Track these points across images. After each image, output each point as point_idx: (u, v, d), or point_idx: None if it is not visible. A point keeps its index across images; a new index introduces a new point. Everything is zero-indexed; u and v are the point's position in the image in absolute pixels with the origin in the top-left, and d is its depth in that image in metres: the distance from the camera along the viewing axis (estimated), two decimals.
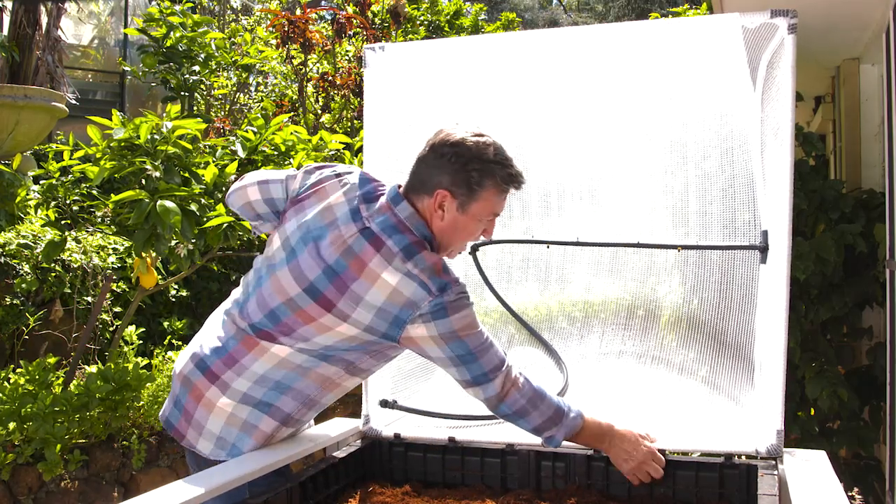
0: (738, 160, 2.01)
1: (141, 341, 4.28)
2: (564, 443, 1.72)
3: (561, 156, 2.29)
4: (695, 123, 2.09)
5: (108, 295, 4.30)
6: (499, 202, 1.67)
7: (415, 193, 1.67)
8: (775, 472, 1.66)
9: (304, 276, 1.63)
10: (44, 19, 5.94)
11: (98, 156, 3.14)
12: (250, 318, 1.68)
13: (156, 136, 3.10)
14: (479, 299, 2.41)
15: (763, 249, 1.90)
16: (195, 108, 5.85)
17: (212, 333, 1.75)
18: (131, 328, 4.11)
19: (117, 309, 4.56)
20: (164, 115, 3.34)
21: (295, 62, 6.52)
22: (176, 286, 4.95)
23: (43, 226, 4.16)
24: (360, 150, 3.81)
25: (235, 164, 3.25)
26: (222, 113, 6.69)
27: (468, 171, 1.61)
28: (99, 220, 3.44)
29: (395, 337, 1.62)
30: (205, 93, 6.05)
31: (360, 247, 1.60)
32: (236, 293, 1.78)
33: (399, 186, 1.69)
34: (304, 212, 1.69)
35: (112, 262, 4.41)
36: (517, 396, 1.65)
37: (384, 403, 2.11)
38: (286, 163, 3.45)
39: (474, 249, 2.41)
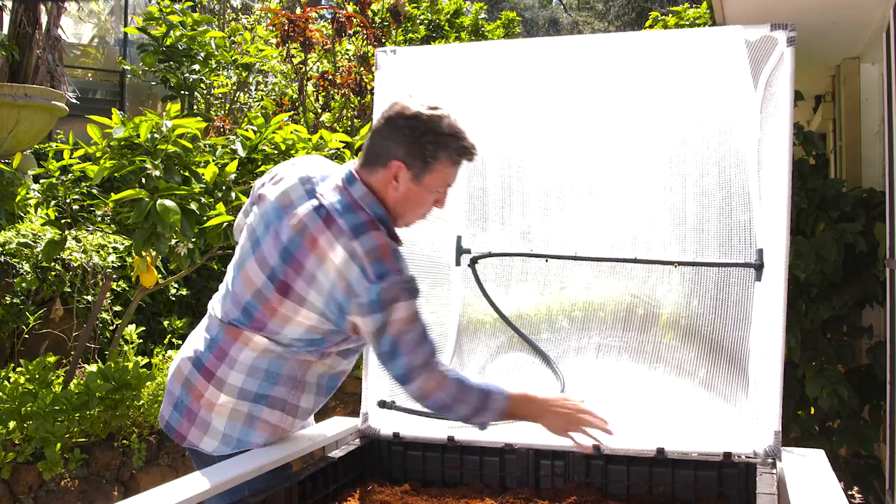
0: (735, 178, 2.02)
1: (141, 340, 4.28)
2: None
3: (561, 165, 2.31)
4: (694, 140, 2.10)
5: (108, 294, 4.30)
6: (452, 174, 1.70)
7: (369, 167, 1.68)
8: (774, 471, 1.66)
9: (266, 262, 1.66)
10: (44, 18, 5.94)
11: (98, 155, 3.14)
12: (227, 315, 1.72)
13: (156, 135, 3.10)
14: (478, 300, 2.42)
15: (758, 267, 1.90)
16: (195, 106, 5.85)
17: (202, 331, 1.79)
18: (131, 327, 4.11)
19: (117, 308, 4.56)
20: (164, 113, 3.33)
21: (295, 61, 6.51)
22: (176, 285, 4.94)
23: (43, 225, 4.16)
24: (360, 148, 3.83)
25: (235, 162, 3.24)
26: (222, 112, 6.69)
27: (422, 144, 1.63)
28: (99, 218, 3.43)
29: (343, 327, 1.64)
30: (205, 92, 6.05)
31: (314, 223, 1.63)
32: (220, 291, 1.82)
33: (354, 167, 1.71)
34: (264, 202, 1.73)
35: (112, 261, 4.41)
36: (440, 395, 1.62)
37: (382, 404, 2.11)
38: None
39: (473, 262, 2.40)
